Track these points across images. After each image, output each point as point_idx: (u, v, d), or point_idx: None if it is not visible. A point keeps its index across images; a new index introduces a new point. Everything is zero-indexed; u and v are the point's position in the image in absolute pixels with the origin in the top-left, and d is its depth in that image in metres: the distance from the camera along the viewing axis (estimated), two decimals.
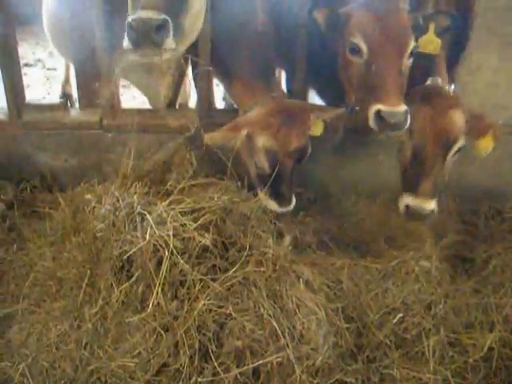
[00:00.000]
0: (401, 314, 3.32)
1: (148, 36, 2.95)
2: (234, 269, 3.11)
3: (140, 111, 4.43)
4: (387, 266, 3.56)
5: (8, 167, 4.36)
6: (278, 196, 3.64)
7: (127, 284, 3.08)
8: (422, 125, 3.59)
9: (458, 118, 3.59)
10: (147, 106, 4.84)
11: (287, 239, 3.74)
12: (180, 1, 3.19)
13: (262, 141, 3.56)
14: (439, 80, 3.76)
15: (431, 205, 3.61)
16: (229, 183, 3.53)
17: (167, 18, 2.97)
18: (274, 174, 3.56)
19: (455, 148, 3.63)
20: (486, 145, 3.70)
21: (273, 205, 3.64)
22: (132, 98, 6.80)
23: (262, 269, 3.12)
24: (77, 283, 3.35)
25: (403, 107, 3.40)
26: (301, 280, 3.20)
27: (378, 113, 3.41)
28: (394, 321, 3.31)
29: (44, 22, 4.87)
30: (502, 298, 3.48)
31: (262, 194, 3.65)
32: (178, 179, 3.56)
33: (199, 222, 3.11)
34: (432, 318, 3.33)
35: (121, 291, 3.09)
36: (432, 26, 3.62)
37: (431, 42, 3.64)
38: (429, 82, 3.76)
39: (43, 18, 4.87)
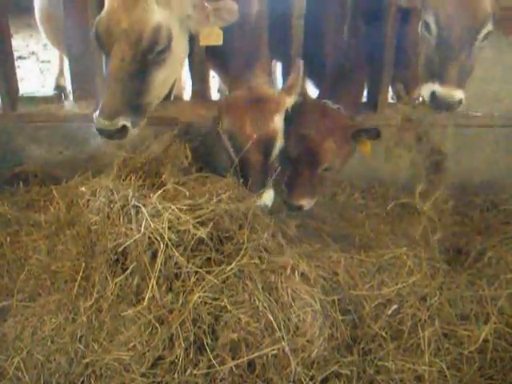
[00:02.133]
0: (396, 306, 3.32)
1: (111, 137, 3.28)
2: (233, 263, 3.10)
3: None
4: (382, 258, 3.55)
5: (2, 160, 4.34)
6: (248, 188, 3.57)
7: (122, 277, 3.07)
8: (450, 8, 3.50)
9: (487, 2, 3.48)
10: None
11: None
12: (139, 85, 3.24)
13: (225, 123, 3.56)
14: None
15: (459, 94, 3.54)
16: (227, 179, 3.50)
17: (124, 123, 3.21)
18: (239, 161, 3.52)
19: (483, 31, 3.53)
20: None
21: None
22: None
23: (257, 261, 3.11)
24: (71, 276, 3.34)
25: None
26: (296, 272, 3.19)
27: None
28: (389, 312, 3.30)
29: (36, 14, 4.85)
30: (497, 290, 3.48)
31: None
32: (172, 172, 3.55)
33: (194, 215, 3.10)
34: (427, 310, 3.33)
35: (115, 284, 3.09)
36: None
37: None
38: None
39: (35, 10, 4.84)
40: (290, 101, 3.65)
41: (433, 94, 3.54)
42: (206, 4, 3.33)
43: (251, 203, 3.32)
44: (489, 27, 3.52)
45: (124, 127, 3.20)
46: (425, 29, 3.60)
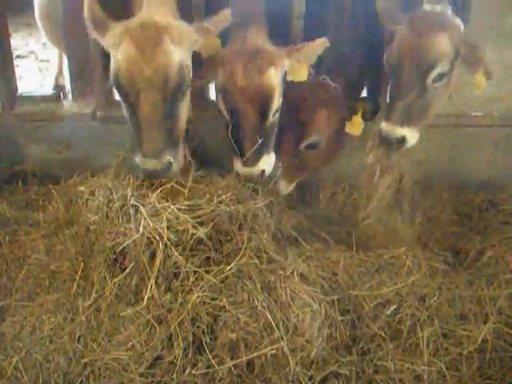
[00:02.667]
0: (395, 306, 3.32)
1: (158, 176, 3.28)
2: (232, 263, 3.10)
3: None
4: (381, 258, 3.55)
5: (1, 159, 4.34)
6: (241, 153, 3.47)
7: (121, 277, 3.07)
8: (401, 45, 3.49)
9: (441, 41, 3.42)
10: None
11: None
12: (171, 121, 3.24)
13: (219, 79, 3.44)
14: (438, 7, 3.54)
15: (402, 131, 3.54)
16: (228, 179, 3.48)
17: (169, 158, 3.22)
18: (234, 126, 3.43)
19: (434, 73, 3.47)
20: (479, 81, 3.58)
21: (237, 165, 3.52)
22: None
23: (256, 261, 3.11)
24: (70, 276, 3.35)
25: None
26: (295, 273, 3.19)
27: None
28: (388, 312, 3.31)
29: (36, 12, 4.84)
30: (496, 290, 3.48)
31: (234, 157, 3.55)
32: None
33: (193, 215, 3.10)
34: (426, 310, 3.33)
35: (114, 284, 3.09)
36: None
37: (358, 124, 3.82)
38: (426, 6, 3.58)
39: (35, 9, 4.84)
40: (288, 63, 3.47)
41: (380, 129, 3.60)
42: (204, 24, 3.33)
43: (251, 204, 3.30)
44: (442, 68, 3.48)
45: (169, 163, 3.22)
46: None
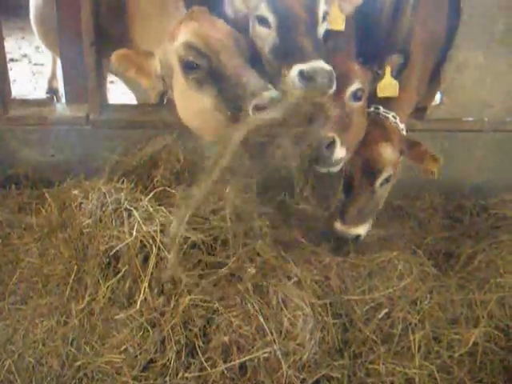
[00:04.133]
0: (386, 310, 3.34)
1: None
2: (225, 266, 3.10)
3: (127, 106, 4.43)
4: (373, 263, 3.57)
5: None
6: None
7: (114, 280, 3.08)
8: (352, 156, 3.69)
9: (386, 151, 3.69)
10: (134, 101, 4.83)
11: None
12: None
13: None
14: (381, 109, 3.80)
15: (356, 230, 3.80)
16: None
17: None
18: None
19: (382, 178, 3.73)
20: (430, 167, 3.74)
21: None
22: (120, 93, 6.78)
23: (249, 265, 3.13)
24: (63, 279, 3.34)
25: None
26: (288, 276, 3.21)
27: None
28: (380, 316, 3.32)
29: (31, 15, 4.84)
30: (487, 294, 3.50)
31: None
32: (164, 175, 3.56)
33: (187, 219, 3.11)
34: (417, 314, 3.35)
35: (107, 287, 3.09)
36: (388, 70, 3.67)
37: (390, 85, 3.70)
38: (371, 109, 3.81)
39: (30, 12, 4.84)
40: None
41: (335, 229, 3.82)
42: None
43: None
44: (388, 172, 3.72)
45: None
46: None
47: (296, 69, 3.04)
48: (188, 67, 3.23)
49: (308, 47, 3.12)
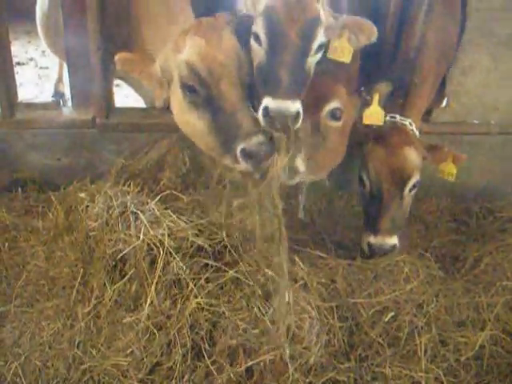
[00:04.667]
0: (393, 313, 3.34)
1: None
2: (232, 269, 3.10)
3: (133, 110, 4.44)
4: (379, 266, 3.57)
5: (0, 166, 4.35)
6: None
7: (120, 283, 3.08)
8: (377, 164, 3.72)
9: (411, 155, 3.68)
10: (140, 104, 4.84)
11: None
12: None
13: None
14: (397, 117, 3.79)
15: (392, 240, 3.75)
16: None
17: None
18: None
19: (410, 184, 3.72)
20: (449, 170, 3.76)
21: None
22: (125, 96, 6.80)
23: (255, 268, 3.12)
24: (70, 282, 3.35)
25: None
26: (294, 279, 3.21)
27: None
28: (386, 319, 3.32)
29: (37, 20, 4.86)
30: (493, 297, 3.50)
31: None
32: (170, 178, 3.56)
33: (194, 223, 3.12)
34: (424, 317, 3.35)
35: (114, 290, 3.10)
36: (376, 97, 3.65)
37: (376, 113, 3.67)
38: (387, 118, 3.78)
39: (36, 16, 4.86)
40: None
41: (368, 243, 3.76)
42: None
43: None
44: (416, 177, 3.72)
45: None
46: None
47: (264, 102, 3.07)
48: (187, 89, 3.25)
49: (284, 81, 3.09)
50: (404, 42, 3.88)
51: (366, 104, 3.69)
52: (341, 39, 3.36)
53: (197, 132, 3.34)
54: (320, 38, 3.23)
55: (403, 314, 3.34)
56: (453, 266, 3.95)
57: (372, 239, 3.74)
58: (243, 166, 3.19)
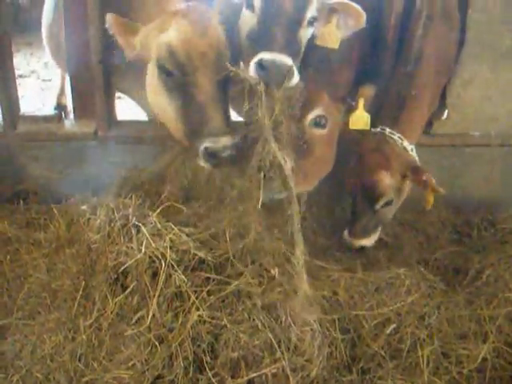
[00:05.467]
0: (394, 325, 3.33)
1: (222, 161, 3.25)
2: (233, 282, 3.10)
3: (135, 123, 4.45)
4: (381, 278, 3.57)
5: (3, 178, 4.35)
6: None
7: (122, 296, 3.08)
8: (351, 179, 3.85)
9: (384, 179, 3.74)
10: (142, 117, 4.85)
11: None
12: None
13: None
14: (387, 130, 3.81)
15: (361, 242, 4.00)
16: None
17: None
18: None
19: (381, 202, 3.81)
20: (427, 198, 3.76)
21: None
22: (127, 109, 6.81)
23: (257, 281, 3.12)
24: (71, 295, 3.34)
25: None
26: (296, 292, 3.20)
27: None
28: (388, 331, 3.31)
29: (43, 32, 4.89)
30: (496, 309, 3.50)
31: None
32: (172, 191, 3.57)
33: (196, 235, 3.12)
34: (426, 329, 3.34)
35: (115, 303, 3.09)
36: (361, 102, 3.66)
37: (362, 118, 3.68)
38: (378, 129, 3.83)
39: (42, 29, 4.89)
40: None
41: (343, 237, 4.05)
42: None
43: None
44: (388, 197, 3.80)
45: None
46: None
47: (258, 56, 3.05)
48: (163, 71, 3.28)
49: (279, 39, 3.10)
50: (402, 54, 3.90)
51: (351, 109, 3.71)
52: (328, 24, 3.38)
53: (166, 115, 3.39)
54: (312, 10, 3.25)
55: (405, 326, 3.34)
56: (454, 277, 3.95)
57: (346, 235, 4.03)
58: (202, 162, 3.25)
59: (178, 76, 3.24)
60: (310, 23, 3.29)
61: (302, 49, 3.33)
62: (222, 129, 3.19)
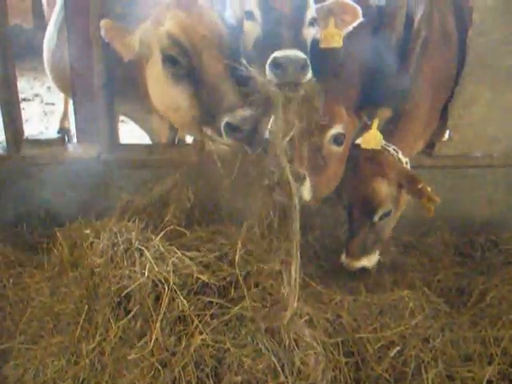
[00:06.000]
0: (398, 348, 3.31)
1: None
2: (236, 306, 3.09)
3: (138, 146, 4.48)
4: (384, 301, 3.56)
5: (6, 201, 4.37)
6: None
7: (125, 320, 3.07)
8: (348, 190, 3.81)
9: (381, 187, 3.73)
10: (144, 140, 4.88)
11: None
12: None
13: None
14: (383, 141, 3.79)
15: (360, 263, 3.91)
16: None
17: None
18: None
19: (379, 213, 3.78)
20: (427, 206, 3.71)
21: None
22: (129, 132, 6.85)
23: (260, 304, 3.11)
24: (74, 318, 3.33)
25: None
26: (300, 315, 3.19)
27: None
28: (392, 354, 3.29)
29: (44, 56, 4.93)
30: (500, 331, 3.48)
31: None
32: (175, 214, 3.57)
33: (198, 259, 3.12)
34: (430, 352, 3.32)
35: (118, 327, 3.08)
36: (376, 122, 3.69)
37: (374, 138, 3.70)
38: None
39: (44, 53, 4.93)
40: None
41: (341, 259, 3.94)
42: None
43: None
44: (386, 207, 3.79)
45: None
46: None
47: (271, 57, 3.06)
48: (169, 61, 3.31)
49: (286, 38, 3.15)
50: (401, 72, 3.92)
51: (365, 128, 3.73)
52: (328, 27, 3.45)
53: (177, 106, 3.39)
54: (311, 11, 3.34)
55: (409, 348, 3.31)
56: (458, 299, 3.93)
57: (343, 257, 3.93)
58: (226, 140, 3.23)
59: (184, 61, 3.28)
60: (311, 24, 3.36)
61: (308, 48, 3.37)
62: (237, 102, 3.19)
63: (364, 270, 3.93)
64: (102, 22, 3.41)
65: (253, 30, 3.32)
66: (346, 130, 3.62)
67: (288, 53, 3.05)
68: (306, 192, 3.41)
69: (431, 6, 4.03)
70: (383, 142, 3.78)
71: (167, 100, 3.46)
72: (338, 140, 3.58)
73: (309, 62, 3.09)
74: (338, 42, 3.47)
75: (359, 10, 3.43)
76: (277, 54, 3.05)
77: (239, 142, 3.25)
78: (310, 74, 3.12)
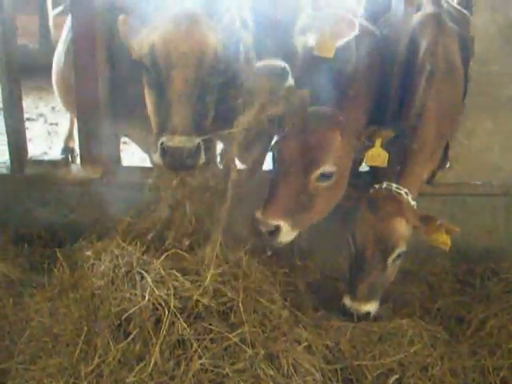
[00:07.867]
0: (397, 376, 3.31)
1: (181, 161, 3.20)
2: (235, 331, 3.09)
3: (140, 169, 4.50)
4: (383, 328, 3.56)
5: (8, 221, 4.38)
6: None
7: (125, 342, 3.07)
8: (364, 231, 3.69)
9: (400, 227, 3.64)
10: (147, 162, 4.90)
11: None
12: (204, 107, 3.36)
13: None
14: (394, 185, 3.75)
15: (367, 307, 3.71)
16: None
17: (199, 142, 3.22)
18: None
19: (395, 254, 3.68)
20: (443, 240, 3.68)
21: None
22: (131, 154, 6.90)
23: (260, 330, 3.11)
24: (73, 340, 3.32)
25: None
26: (298, 342, 3.19)
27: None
28: (391, 382, 3.29)
29: (53, 76, 4.98)
30: (499, 360, 3.48)
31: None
32: (176, 237, 3.58)
33: (197, 283, 3.13)
34: (429, 380, 3.31)
35: (117, 349, 3.08)
36: (378, 141, 3.67)
37: (379, 156, 3.68)
38: (384, 185, 3.77)
39: (52, 73, 4.98)
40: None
41: (344, 305, 3.74)
42: None
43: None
44: (401, 248, 3.70)
45: (199, 147, 3.24)
46: None
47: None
48: (142, 67, 3.39)
49: (271, 45, 3.24)
50: (405, 108, 3.93)
51: (366, 148, 3.70)
52: (323, 36, 3.47)
53: (148, 108, 3.46)
54: (303, 19, 3.39)
55: (408, 376, 3.31)
56: (457, 327, 3.92)
57: (348, 301, 3.72)
58: (157, 159, 3.24)
59: (153, 74, 3.32)
60: (303, 32, 3.41)
61: (299, 55, 3.42)
62: (181, 127, 3.16)
63: (366, 316, 3.73)
64: (119, 18, 3.48)
65: (248, 40, 3.36)
66: (339, 162, 3.57)
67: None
68: (284, 237, 3.46)
69: (436, 38, 4.02)
70: (394, 185, 3.74)
71: (146, 98, 3.51)
72: (326, 176, 3.53)
73: (288, 70, 3.19)
74: (329, 53, 3.49)
75: (356, 23, 3.43)
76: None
77: (168, 167, 3.28)
78: (290, 81, 3.20)
